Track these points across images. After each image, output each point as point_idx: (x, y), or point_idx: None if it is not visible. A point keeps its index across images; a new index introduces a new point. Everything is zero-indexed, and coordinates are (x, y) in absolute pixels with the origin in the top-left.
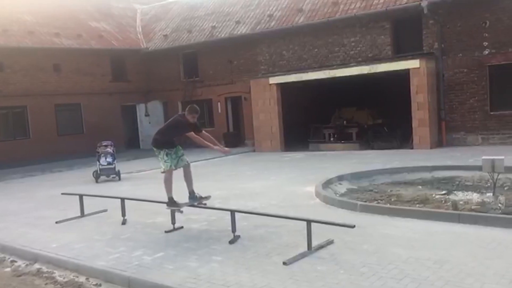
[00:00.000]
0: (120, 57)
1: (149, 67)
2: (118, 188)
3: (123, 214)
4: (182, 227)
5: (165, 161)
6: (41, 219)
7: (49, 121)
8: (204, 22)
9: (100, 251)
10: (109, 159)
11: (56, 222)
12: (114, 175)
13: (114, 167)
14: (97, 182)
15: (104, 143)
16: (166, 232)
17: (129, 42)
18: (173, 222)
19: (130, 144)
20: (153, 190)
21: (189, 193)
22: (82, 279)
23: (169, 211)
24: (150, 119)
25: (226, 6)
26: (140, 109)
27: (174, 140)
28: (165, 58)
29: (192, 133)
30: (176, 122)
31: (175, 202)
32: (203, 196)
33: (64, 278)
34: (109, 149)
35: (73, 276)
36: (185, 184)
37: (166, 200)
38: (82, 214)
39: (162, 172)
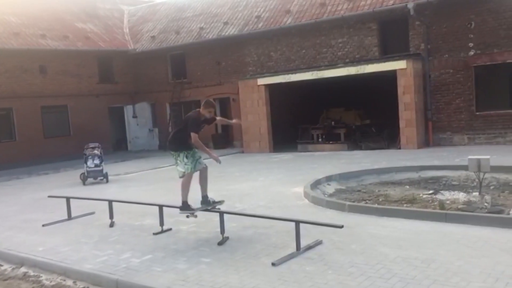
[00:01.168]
0: (107, 59)
1: (136, 69)
2: (105, 191)
3: (111, 217)
4: (170, 229)
5: (185, 164)
6: (27, 222)
7: (35, 123)
8: (192, 23)
9: (88, 254)
10: (97, 161)
11: (43, 225)
12: (102, 177)
13: (102, 169)
14: (84, 184)
15: (91, 145)
16: (154, 234)
17: (116, 43)
18: (162, 224)
19: (118, 146)
20: (141, 192)
21: (202, 197)
22: (69, 282)
23: (157, 212)
24: (138, 120)
25: (214, 7)
26: (128, 110)
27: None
28: (153, 59)
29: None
30: (193, 120)
31: (189, 206)
32: (216, 200)
33: (51, 281)
34: (97, 151)
35: (60, 280)
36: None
37: (154, 202)
38: (69, 217)
39: (181, 177)
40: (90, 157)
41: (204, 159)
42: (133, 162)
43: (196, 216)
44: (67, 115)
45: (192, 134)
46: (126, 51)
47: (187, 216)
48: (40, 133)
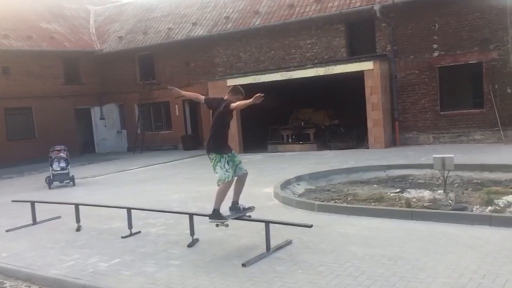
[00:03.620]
0: (73, 59)
1: (103, 69)
2: (72, 194)
3: (78, 221)
4: (139, 232)
5: (226, 171)
6: None
7: None
8: (160, 23)
9: (53, 259)
10: (63, 164)
11: (7, 231)
12: (68, 181)
13: (68, 172)
14: (50, 188)
15: (57, 147)
16: (122, 237)
17: (82, 44)
18: (130, 227)
19: (85, 148)
20: (109, 195)
21: (232, 203)
22: None
23: (125, 215)
24: (105, 122)
25: (182, 7)
26: (95, 112)
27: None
28: (121, 60)
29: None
30: (226, 113)
31: (220, 214)
32: (246, 207)
33: None
34: (62, 154)
35: (25, 286)
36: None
37: (122, 205)
38: (34, 222)
39: (220, 184)
40: (55, 160)
41: (169, 161)
42: (101, 164)
43: (227, 225)
44: (32, 117)
45: (232, 105)
46: (93, 52)
47: (217, 225)
48: (4, 136)
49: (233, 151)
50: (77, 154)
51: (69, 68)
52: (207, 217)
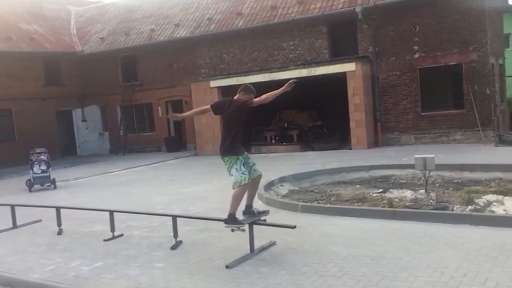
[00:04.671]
0: (53, 61)
1: (85, 71)
2: (53, 197)
3: (59, 224)
4: (122, 235)
5: (242, 173)
6: None
7: None
8: (142, 24)
9: (34, 264)
10: (43, 167)
11: None
12: (49, 184)
13: (49, 175)
14: (30, 191)
15: (38, 150)
16: (105, 240)
17: (63, 45)
18: (113, 230)
19: (66, 150)
20: (91, 198)
21: (246, 206)
22: None
23: (108, 218)
24: (87, 124)
25: (164, 8)
26: (77, 114)
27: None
28: (102, 61)
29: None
30: (243, 111)
31: (236, 219)
32: (260, 210)
33: None
34: (43, 157)
35: None
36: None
37: (104, 207)
38: (15, 226)
39: (235, 188)
40: (36, 162)
41: (152, 163)
42: (83, 167)
43: (243, 230)
44: (12, 120)
45: (256, 100)
46: (74, 53)
47: (232, 230)
48: None
49: (246, 153)
50: (59, 157)
51: (50, 69)
52: (223, 222)
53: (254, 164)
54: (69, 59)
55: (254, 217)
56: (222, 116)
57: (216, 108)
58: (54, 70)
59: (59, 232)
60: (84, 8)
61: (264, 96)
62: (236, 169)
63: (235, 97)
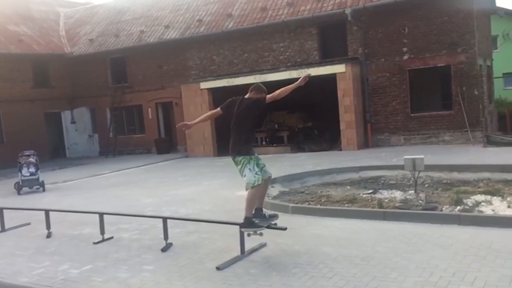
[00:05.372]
0: (42, 62)
1: (74, 73)
2: (42, 200)
3: (48, 227)
4: (112, 237)
5: (256, 173)
6: None
7: None
8: (132, 26)
9: (23, 267)
10: (32, 170)
11: None
12: (38, 186)
13: (38, 178)
14: (19, 194)
15: (26, 152)
16: (94, 243)
17: (52, 47)
18: (102, 233)
19: (55, 153)
20: (80, 201)
21: (256, 209)
22: None
23: (97, 221)
24: (76, 126)
25: (154, 10)
26: (66, 116)
27: None
28: (92, 63)
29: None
30: (256, 108)
31: (254, 222)
32: (270, 214)
33: None
34: (32, 159)
35: None
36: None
37: (94, 210)
38: (3, 229)
39: (249, 189)
40: (25, 165)
41: (143, 165)
42: (72, 169)
43: (261, 234)
44: (0, 122)
45: (269, 95)
46: (63, 55)
47: (249, 235)
48: None
49: (256, 153)
50: (47, 159)
51: (39, 71)
52: (239, 226)
53: (264, 165)
54: (58, 61)
55: (266, 221)
56: (232, 116)
57: (227, 108)
58: (43, 71)
59: (48, 235)
60: (73, 10)
61: (277, 91)
62: (250, 169)
63: (245, 96)
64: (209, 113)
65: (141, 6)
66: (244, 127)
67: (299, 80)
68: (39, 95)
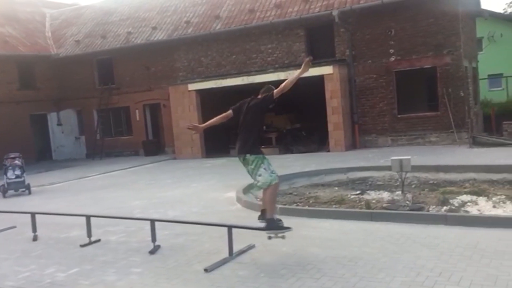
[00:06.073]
0: (28, 64)
1: (60, 74)
2: (28, 203)
3: (34, 230)
4: (99, 240)
5: (272, 172)
6: None
7: None
8: (119, 27)
9: (8, 271)
10: (18, 172)
11: None
12: (24, 189)
13: (23, 181)
14: (4, 197)
15: (12, 155)
16: (81, 246)
17: (38, 48)
18: (89, 236)
19: (41, 155)
20: (67, 203)
21: (262, 211)
22: None
23: (84, 224)
24: (63, 128)
25: (142, 11)
26: (52, 118)
27: None
28: (78, 64)
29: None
30: (266, 104)
31: (279, 224)
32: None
33: None
34: (17, 161)
35: None
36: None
37: (81, 212)
38: None
39: (267, 188)
40: (10, 167)
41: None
42: (58, 172)
43: (284, 237)
44: None
45: (277, 89)
46: (49, 56)
47: (269, 238)
48: None
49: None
50: (33, 162)
51: (24, 72)
52: (263, 230)
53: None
54: (44, 62)
55: (274, 224)
56: (240, 117)
57: (238, 110)
58: (29, 73)
59: (34, 238)
60: (59, 11)
61: (283, 84)
62: (265, 168)
63: (256, 96)
64: (222, 115)
65: (128, 7)
66: (254, 127)
67: (303, 66)
68: (25, 97)
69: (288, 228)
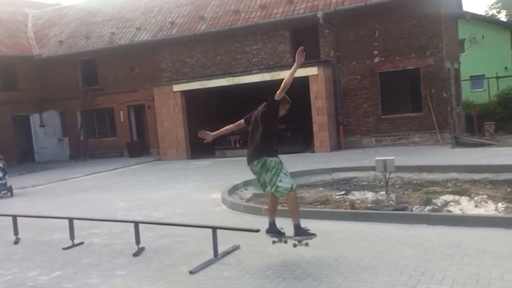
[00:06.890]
0: (9, 64)
1: (43, 75)
2: (10, 205)
3: (16, 233)
4: (82, 243)
5: (290, 177)
6: None
7: None
8: (102, 28)
9: None
10: None
11: None
12: (6, 191)
13: (5, 183)
14: None
15: None
16: (64, 249)
17: (20, 48)
18: (72, 238)
19: (23, 157)
20: (50, 206)
21: (270, 224)
22: None
23: (67, 226)
24: (46, 129)
25: (125, 12)
26: (35, 119)
27: None
28: (61, 65)
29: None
30: (269, 110)
31: (305, 230)
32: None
33: None
34: None
35: None
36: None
37: (66, 215)
38: None
39: (286, 194)
40: None
41: (114, 168)
42: (41, 174)
43: (307, 245)
44: None
45: (278, 93)
46: (31, 57)
47: (294, 245)
48: None
49: None
50: (15, 164)
51: (6, 73)
52: (292, 238)
53: None
54: (26, 63)
55: (283, 235)
56: (250, 126)
57: (249, 120)
58: (11, 74)
59: (16, 241)
60: (42, 11)
61: (282, 84)
62: (285, 173)
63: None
64: (233, 124)
65: (111, 8)
66: (266, 130)
67: (297, 58)
68: (6, 98)
69: (314, 235)
